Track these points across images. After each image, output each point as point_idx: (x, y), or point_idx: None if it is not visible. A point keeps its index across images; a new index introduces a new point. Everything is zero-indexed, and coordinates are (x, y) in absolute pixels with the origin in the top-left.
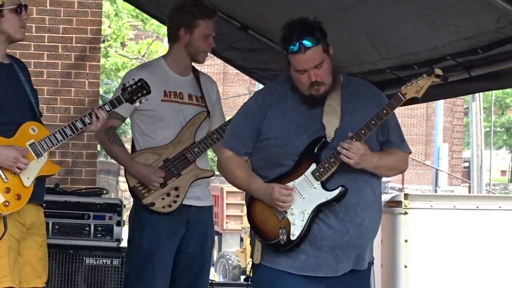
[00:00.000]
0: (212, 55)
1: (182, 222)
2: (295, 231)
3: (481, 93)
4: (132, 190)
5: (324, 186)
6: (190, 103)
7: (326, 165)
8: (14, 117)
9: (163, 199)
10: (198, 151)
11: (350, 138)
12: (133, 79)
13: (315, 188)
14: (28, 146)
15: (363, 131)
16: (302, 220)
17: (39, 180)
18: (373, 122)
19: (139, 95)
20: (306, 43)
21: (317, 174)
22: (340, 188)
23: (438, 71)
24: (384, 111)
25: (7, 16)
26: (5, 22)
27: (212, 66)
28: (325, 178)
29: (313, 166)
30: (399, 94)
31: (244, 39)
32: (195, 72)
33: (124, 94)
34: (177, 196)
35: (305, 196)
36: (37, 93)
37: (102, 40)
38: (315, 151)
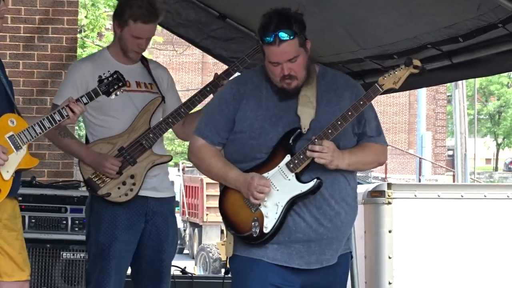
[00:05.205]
0: (190, 45)
1: (140, 214)
2: (268, 224)
3: (464, 81)
4: (87, 182)
5: (298, 178)
6: (138, 90)
7: (301, 156)
8: None
9: (119, 188)
10: (154, 137)
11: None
12: (108, 71)
13: (289, 180)
14: (7, 139)
15: (339, 122)
16: (276, 213)
17: (16, 173)
18: (349, 113)
19: (115, 87)
20: (282, 35)
21: (291, 165)
22: (315, 180)
23: (417, 62)
24: (361, 102)
25: None
26: None
27: (190, 55)
28: (300, 170)
29: (288, 158)
30: (376, 85)
31: (222, 28)
32: (144, 61)
33: (101, 86)
34: (134, 184)
35: (279, 188)
36: (12, 85)
37: (78, 30)
38: (290, 142)
